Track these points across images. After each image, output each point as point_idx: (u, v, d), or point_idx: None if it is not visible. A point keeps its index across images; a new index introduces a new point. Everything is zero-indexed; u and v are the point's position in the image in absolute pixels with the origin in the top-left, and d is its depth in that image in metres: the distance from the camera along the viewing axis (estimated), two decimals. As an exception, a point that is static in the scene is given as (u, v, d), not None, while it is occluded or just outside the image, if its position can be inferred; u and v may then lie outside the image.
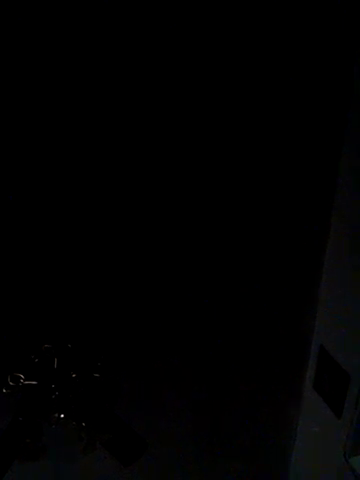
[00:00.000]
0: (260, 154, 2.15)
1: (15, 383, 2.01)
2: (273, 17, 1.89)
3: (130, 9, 1.73)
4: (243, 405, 2.86)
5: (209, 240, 2.27)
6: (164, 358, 2.51)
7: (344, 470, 2.65)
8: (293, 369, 2.80)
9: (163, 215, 2.15)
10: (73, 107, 1.84)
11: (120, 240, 2.14)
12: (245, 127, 2.07)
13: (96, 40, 1.76)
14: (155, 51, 1.83)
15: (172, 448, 2.86)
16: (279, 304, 2.54)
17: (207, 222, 2.22)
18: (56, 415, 2.01)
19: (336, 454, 2.69)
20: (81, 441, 2.09)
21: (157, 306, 2.35)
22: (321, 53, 2.01)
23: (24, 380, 2.02)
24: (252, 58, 1.94)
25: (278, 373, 2.78)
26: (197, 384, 2.66)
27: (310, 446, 3.00)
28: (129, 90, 1.87)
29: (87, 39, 1.75)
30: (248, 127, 2.08)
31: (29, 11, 1.64)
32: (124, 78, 1.85)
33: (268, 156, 2.16)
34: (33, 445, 2.02)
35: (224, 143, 2.08)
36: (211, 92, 1.96)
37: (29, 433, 2.00)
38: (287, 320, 2.61)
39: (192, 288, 2.36)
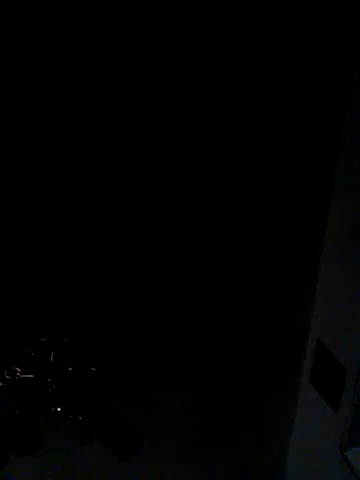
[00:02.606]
0: (258, 151, 2.14)
1: (11, 377, 2.01)
2: (272, 14, 1.88)
3: (130, 9, 1.72)
4: (240, 399, 2.86)
5: (206, 234, 2.26)
6: (161, 352, 2.51)
7: (340, 463, 2.66)
8: (290, 363, 2.81)
9: (161, 212, 2.14)
10: (73, 108, 1.83)
11: (117, 234, 2.14)
12: (244, 123, 2.07)
13: (96, 40, 1.75)
14: (155, 51, 1.82)
15: (169, 441, 2.87)
16: (277, 299, 2.55)
17: (205, 216, 2.22)
18: (53, 409, 2.01)
19: (332, 447, 2.70)
20: (78, 434, 2.10)
21: (154, 300, 2.35)
22: (320, 53, 2.00)
23: (20, 374, 2.02)
24: (251, 58, 1.94)
25: (275, 367, 2.79)
26: (194, 378, 2.67)
27: (307, 439, 3.01)
28: (129, 90, 1.86)
29: (87, 39, 1.73)
30: (247, 123, 2.07)
31: (29, 11, 1.63)
32: (124, 78, 1.84)
33: (266, 152, 2.16)
34: (30, 439, 2.02)
35: (221, 141, 2.07)
36: (209, 88, 1.95)
37: (26, 427, 2.00)
38: (284, 315, 2.61)
39: (189, 282, 2.36)
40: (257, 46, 1.92)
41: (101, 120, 1.90)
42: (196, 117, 1.99)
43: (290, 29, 1.93)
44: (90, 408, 2.05)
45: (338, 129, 2.18)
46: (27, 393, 2.01)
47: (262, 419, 3.00)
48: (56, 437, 2.34)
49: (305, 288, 2.57)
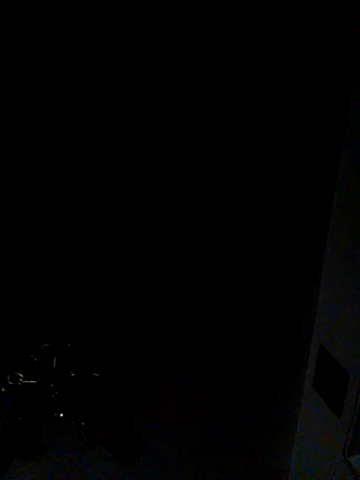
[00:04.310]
0: (259, 153, 2.14)
1: (14, 382, 2.01)
2: (272, 15, 1.88)
3: (130, 9, 1.73)
4: (243, 404, 2.86)
5: (208, 239, 2.26)
6: (163, 357, 2.51)
7: (343, 468, 2.65)
8: (293, 368, 2.80)
9: (162, 215, 2.14)
10: (73, 108, 1.84)
11: (120, 239, 2.14)
12: (245, 124, 2.07)
13: (97, 40, 1.75)
14: (155, 51, 1.82)
15: (171, 447, 2.86)
16: (279, 304, 2.54)
17: (207, 221, 2.22)
18: (55, 414, 2.01)
19: (335, 452, 2.70)
20: (80, 440, 2.10)
21: (156, 305, 2.35)
22: (320, 53, 2.00)
23: (23, 379, 2.02)
24: (251, 59, 1.94)
25: (278, 372, 2.78)
26: (197, 383, 2.67)
27: (310, 444, 3.00)
28: (130, 90, 1.86)
29: (88, 39, 1.74)
30: (248, 125, 2.07)
31: (30, 11, 1.64)
32: (124, 78, 1.84)
33: (267, 153, 2.16)
34: (32, 444, 2.02)
35: (221, 144, 2.08)
36: (209, 90, 1.96)
37: (28, 432, 2.00)
38: (287, 320, 2.61)
39: (192, 287, 2.36)
40: (257, 47, 1.93)
41: (101, 120, 1.90)
42: (197, 119, 2.00)
43: (290, 29, 1.93)
44: (93, 414, 2.05)
45: (339, 132, 2.18)
46: (30, 399, 2.01)
47: (265, 424, 3.00)
48: (59, 443, 2.34)
49: (308, 293, 2.57)
